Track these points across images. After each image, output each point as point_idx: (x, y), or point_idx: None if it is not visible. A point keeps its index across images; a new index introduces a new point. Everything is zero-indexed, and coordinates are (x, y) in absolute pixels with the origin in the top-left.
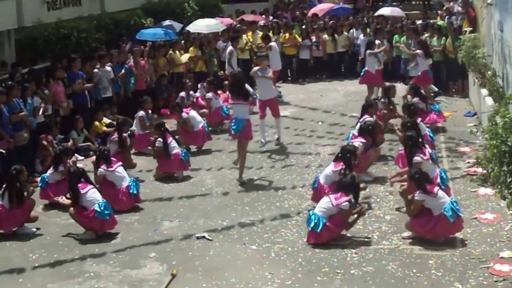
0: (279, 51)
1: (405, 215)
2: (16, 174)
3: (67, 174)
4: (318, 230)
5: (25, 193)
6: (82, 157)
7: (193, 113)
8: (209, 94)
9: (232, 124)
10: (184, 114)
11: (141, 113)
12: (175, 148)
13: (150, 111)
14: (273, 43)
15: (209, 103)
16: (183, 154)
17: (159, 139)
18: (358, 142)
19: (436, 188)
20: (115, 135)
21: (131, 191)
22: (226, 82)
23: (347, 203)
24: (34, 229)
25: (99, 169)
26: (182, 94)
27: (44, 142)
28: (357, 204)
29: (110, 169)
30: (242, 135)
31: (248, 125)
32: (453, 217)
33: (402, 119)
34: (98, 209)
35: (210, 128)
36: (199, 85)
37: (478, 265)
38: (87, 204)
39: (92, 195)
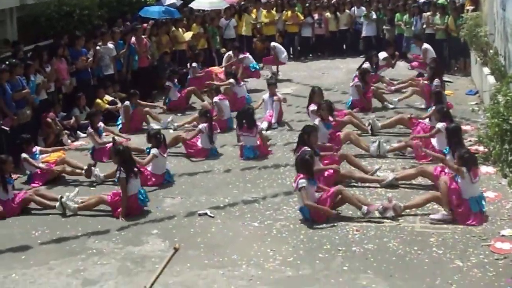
0: (282, 29)
1: (405, 191)
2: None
3: (114, 152)
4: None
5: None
6: (85, 134)
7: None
8: (216, 98)
9: (249, 153)
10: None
11: (127, 103)
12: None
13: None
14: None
15: (220, 107)
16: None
17: (203, 124)
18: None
19: (478, 177)
20: (90, 128)
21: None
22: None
23: (303, 180)
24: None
25: (154, 150)
26: (168, 83)
27: (49, 120)
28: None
29: (164, 154)
30: (261, 154)
31: (261, 148)
32: (476, 209)
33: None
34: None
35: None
36: (188, 66)
37: (479, 243)
38: (130, 188)
39: (137, 182)
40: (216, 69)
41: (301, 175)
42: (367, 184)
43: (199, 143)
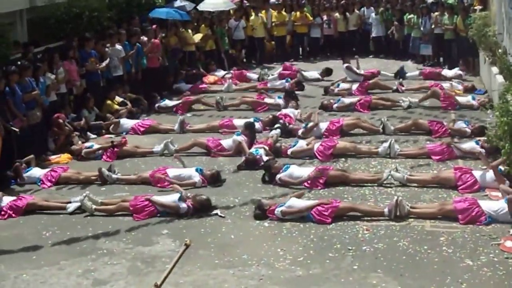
0: (291, 29)
1: (416, 191)
2: None
3: (198, 201)
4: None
5: None
6: (95, 135)
7: None
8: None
9: None
10: None
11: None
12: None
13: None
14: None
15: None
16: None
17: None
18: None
19: None
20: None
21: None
22: None
23: (277, 209)
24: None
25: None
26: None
27: (60, 121)
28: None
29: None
30: None
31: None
32: (486, 222)
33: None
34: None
35: None
36: (174, 87)
37: (489, 242)
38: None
39: None
40: (210, 77)
41: (272, 209)
42: (376, 184)
43: None
